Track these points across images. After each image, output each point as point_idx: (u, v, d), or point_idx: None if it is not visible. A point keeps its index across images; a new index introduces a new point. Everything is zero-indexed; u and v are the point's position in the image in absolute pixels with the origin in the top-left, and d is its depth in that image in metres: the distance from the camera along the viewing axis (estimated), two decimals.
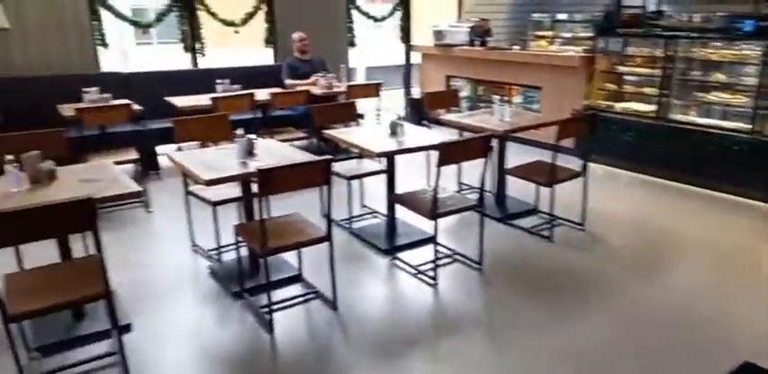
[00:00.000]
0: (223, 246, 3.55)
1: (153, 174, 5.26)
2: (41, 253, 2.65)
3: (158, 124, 5.24)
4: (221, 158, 3.03)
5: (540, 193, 4.10)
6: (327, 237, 2.80)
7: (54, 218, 2.09)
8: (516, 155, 4.33)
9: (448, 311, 3.04)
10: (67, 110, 4.41)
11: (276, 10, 6.27)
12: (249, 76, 5.88)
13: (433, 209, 3.08)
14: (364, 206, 4.39)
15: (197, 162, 2.95)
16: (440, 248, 3.49)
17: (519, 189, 4.29)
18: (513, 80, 6.37)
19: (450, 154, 3.02)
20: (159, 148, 5.21)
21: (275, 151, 3.20)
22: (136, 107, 4.52)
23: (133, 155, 4.36)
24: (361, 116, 5.74)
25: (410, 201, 3.31)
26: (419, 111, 7.39)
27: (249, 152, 3.05)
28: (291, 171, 2.59)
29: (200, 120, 3.74)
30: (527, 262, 3.56)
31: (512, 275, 3.38)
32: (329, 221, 2.80)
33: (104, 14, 5.46)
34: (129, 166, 4.48)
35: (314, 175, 2.66)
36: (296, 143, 4.62)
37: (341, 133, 3.68)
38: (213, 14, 5.95)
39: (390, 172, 3.63)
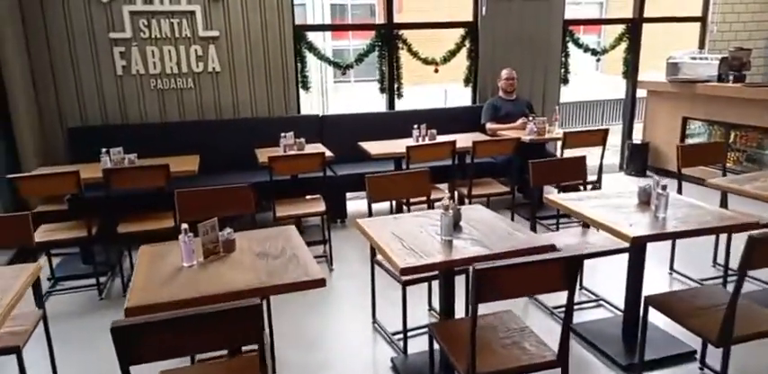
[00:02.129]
0: (411, 330, 2.89)
1: (339, 223, 4.91)
2: None
3: (349, 170, 4.92)
4: (420, 231, 2.39)
5: None
6: (561, 361, 1.96)
7: (216, 325, 1.58)
8: None
9: None
10: (263, 155, 4.24)
11: (481, 47, 5.67)
12: (446, 119, 5.34)
13: (725, 330, 2.04)
14: (583, 288, 3.43)
15: (392, 236, 2.34)
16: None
17: None
18: None
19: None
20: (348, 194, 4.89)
21: (488, 226, 2.46)
22: (327, 154, 4.19)
23: (320, 206, 4.00)
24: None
25: (679, 311, 2.29)
26: (642, 160, 6.17)
27: (455, 224, 2.36)
28: (519, 271, 1.82)
29: (396, 177, 3.19)
30: None
31: None
32: (565, 337, 1.95)
33: (308, 57, 5.38)
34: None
35: (551, 278, 1.85)
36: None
37: (569, 201, 2.81)
38: (415, 53, 5.56)
39: (639, 261, 2.66)
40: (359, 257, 3.96)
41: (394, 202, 4.09)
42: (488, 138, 4.73)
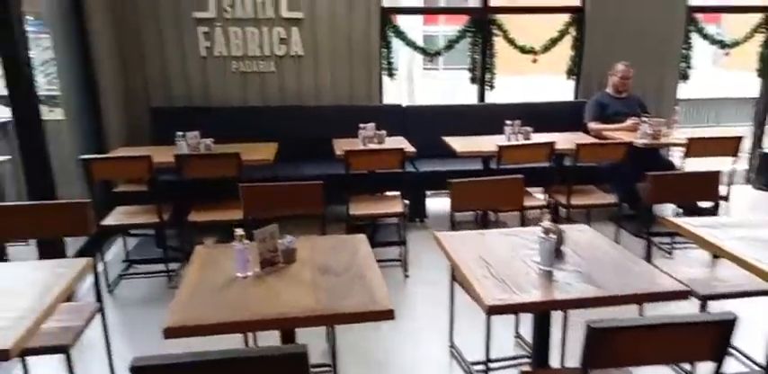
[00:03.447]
0: (492, 361, 2.51)
1: (418, 223, 4.57)
2: None
3: (432, 166, 4.56)
4: (512, 256, 2.00)
5: None
6: None
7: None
8: None
9: None
10: (340, 146, 3.96)
11: (587, 36, 5.07)
12: (543, 115, 4.81)
13: None
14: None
15: (477, 260, 1.96)
16: None
17: None
18: None
19: None
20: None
21: (596, 254, 2.03)
22: (409, 149, 3.84)
23: (398, 205, 3.67)
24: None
25: None
26: None
27: (557, 251, 1.95)
28: (652, 335, 1.39)
29: (484, 184, 2.78)
30: None
31: None
32: None
33: (394, 42, 5.03)
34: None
35: (694, 344, 1.41)
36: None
37: (701, 228, 2.28)
38: (511, 41, 5.05)
39: None
40: (438, 263, 3.55)
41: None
42: (593, 140, 4.16)
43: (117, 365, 2.53)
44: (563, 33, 5.18)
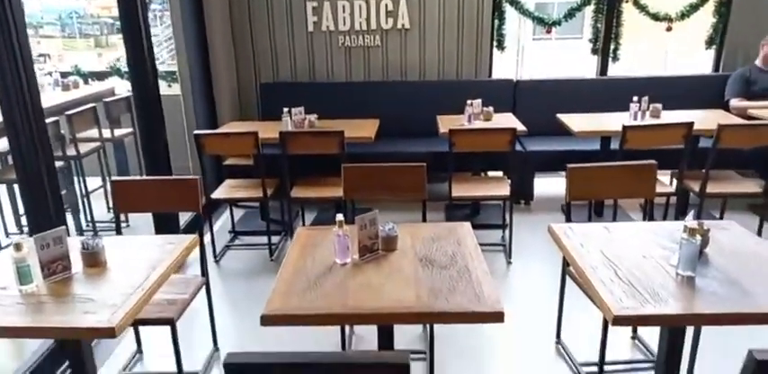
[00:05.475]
0: (607, 363, 2.27)
1: (523, 205, 4.30)
2: None
3: (543, 146, 4.24)
4: (643, 256, 1.74)
5: None
6: None
7: None
8: None
9: None
10: (445, 123, 3.77)
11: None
12: (675, 91, 4.29)
13: None
14: None
15: (601, 259, 1.73)
16: None
17: None
18: None
19: None
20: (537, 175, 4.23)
21: (748, 259, 1.71)
22: (519, 128, 3.57)
23: (504, 187, 3.44)
24: None
25: None
26: None
27: (699, 253, 1.66)
28: None
29: (611, 169, 2.46)
30: None
31: None
32: None
33: (508, 12, 4.68)
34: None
35: None
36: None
37: None
38: (642, 7, 4.51)
39: None
40: (544, 250, 3.30)
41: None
42: (738, 120, 3.62)
43: (220, 335, 2.62)
44: None
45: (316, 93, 4.60)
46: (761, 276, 1.60)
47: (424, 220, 2.64)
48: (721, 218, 3.47)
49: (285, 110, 3.74)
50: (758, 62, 4.10)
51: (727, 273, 1.62)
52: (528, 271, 3.29)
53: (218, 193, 3.57)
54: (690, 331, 2.04)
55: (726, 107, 4.06)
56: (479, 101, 3.89)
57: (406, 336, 2.62)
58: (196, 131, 3.49)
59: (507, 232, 3.52)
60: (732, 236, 1.88)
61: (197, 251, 2.29)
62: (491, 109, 3.91)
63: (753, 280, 1.58)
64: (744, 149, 3.69)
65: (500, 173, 4.22)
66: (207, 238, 3.63)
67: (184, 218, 3.78)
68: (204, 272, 2.45)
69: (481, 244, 1.93)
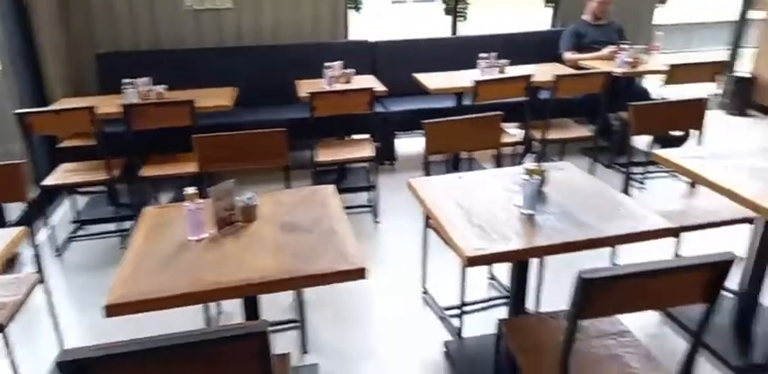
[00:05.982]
0: (468, 304, 2.44)
1: (387, 165, 4.38)
2: None
3: (403, 105, 4.33)
4: (490, 200, 1.85)
5: None
6: None
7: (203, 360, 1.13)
8: None
9: None
10: (305, 88, 3.69)
11: None
12: (518, 46, 4.56)
13: None
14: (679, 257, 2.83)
15: (455, 208, 1.81)
16: None
17: None
18: None
19: None
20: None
21: (581, 194, 1.89)
22: (379, 88, 3.59)
23: (368, 149, 3.47)
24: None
25: None
26: (744, 97, 5.24)
27: (539, 192, 1.80)
28: (646, 282, 1.26)
29: (462, 122, 2.55)
30: None
31: None
32: (690, 360, 1.43)
33: None
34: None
35: (687, 287, 1.30)
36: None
37: (688, 160, 2.15)
38: None
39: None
40: (409, 208, 3.40)
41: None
42: (572, 71, 3.94)
43: (67, 335, 2.40)
44: None
45: (163, 63, 4.24)
46: (589, 207, 1.78)
47: (289, 188, 2.59)
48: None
49: (127, 81, 3.41)
50: (586, 17, 4.46)
51: (563, 208, 1.78)
52: (395, 229, 3.38)
53: (51, 179, 3.16)
54: (534, 263, 2.24)
55: (561, 60, 4.40)
56: (339, 63, 3.84)
57: (280, 307, 2.59)
58: (17, 110, 3.05)
59: (374, 193, 3.59)
60: (567, 176, 2.06)
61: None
62: (352, 71, 3.89)
63: (583, 211, 1.75)
64: (576, 98, 4.06)
65: (365, 136, 4.25)
66: (45, 232, 3.28)
67: (15, 211, 3.35)
68: (39, 269, 2.20)
69: (349, 207, 1.94)
